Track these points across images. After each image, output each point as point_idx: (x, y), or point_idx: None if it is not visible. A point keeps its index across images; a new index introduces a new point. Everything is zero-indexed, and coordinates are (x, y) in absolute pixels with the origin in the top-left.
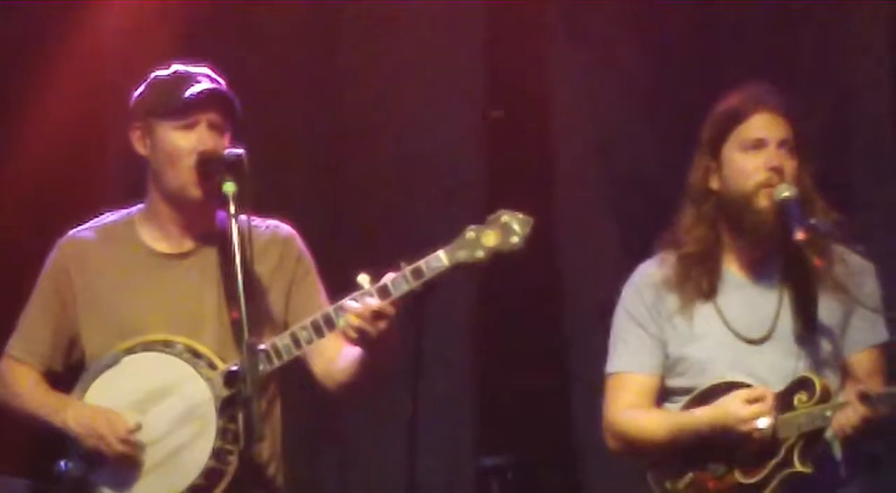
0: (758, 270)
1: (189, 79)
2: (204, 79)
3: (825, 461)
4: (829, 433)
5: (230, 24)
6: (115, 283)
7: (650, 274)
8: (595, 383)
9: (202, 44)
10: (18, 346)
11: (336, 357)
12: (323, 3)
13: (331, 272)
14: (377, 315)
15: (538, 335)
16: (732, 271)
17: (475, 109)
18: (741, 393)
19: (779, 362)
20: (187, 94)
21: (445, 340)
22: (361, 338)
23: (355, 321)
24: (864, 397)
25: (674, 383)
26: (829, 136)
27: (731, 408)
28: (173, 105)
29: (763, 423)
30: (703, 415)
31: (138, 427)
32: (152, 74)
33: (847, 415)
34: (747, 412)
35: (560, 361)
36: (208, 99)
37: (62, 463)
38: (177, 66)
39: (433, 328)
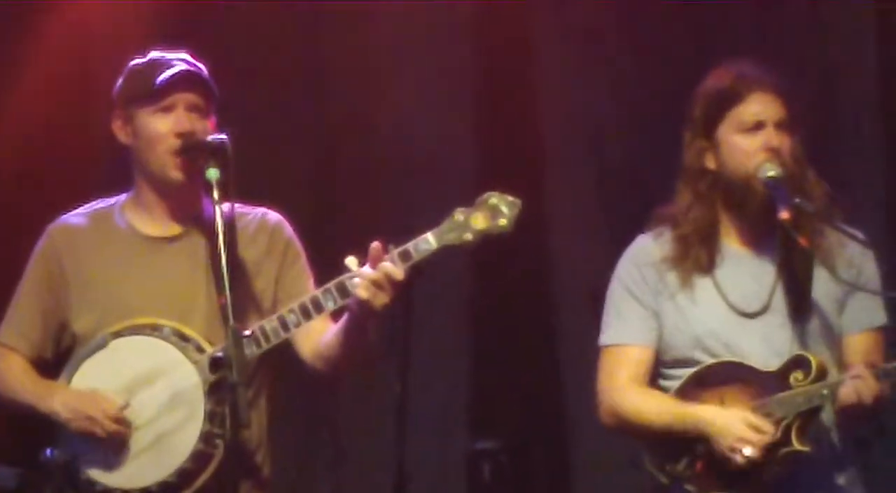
0: (757, 244)
1: (164, 64)
2: (179, 63)
3: (822, 442)
4: (826, 418)
5: (214, 13)
6: (105, 267)
7: (648, 250)
8: (586, 367)
9: (186, 33)
10: (7, 332)
11: (322, 338)
12: None
13: (322, 260)
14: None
15: (530, 320)
16: (731, 244)
17: (465, 98)
18: (750, 417)
19: (773, 336)
20: (161, 77)
21: (439, 325)
22: (367, 303)
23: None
24: (871, 368)
25: (667, 356)
26: (814, 116)
27: (731, 422)
28: (148, 90)
29: (748, 451)
30: (704, 414)
31: (126, 406)
32: (130, 63)
33: (845, 392)
34: (744, 433)
35: (551, 346)
36: (182, 80)
37: (48, 450)
38: (153, 53)
39: (427, 313)
